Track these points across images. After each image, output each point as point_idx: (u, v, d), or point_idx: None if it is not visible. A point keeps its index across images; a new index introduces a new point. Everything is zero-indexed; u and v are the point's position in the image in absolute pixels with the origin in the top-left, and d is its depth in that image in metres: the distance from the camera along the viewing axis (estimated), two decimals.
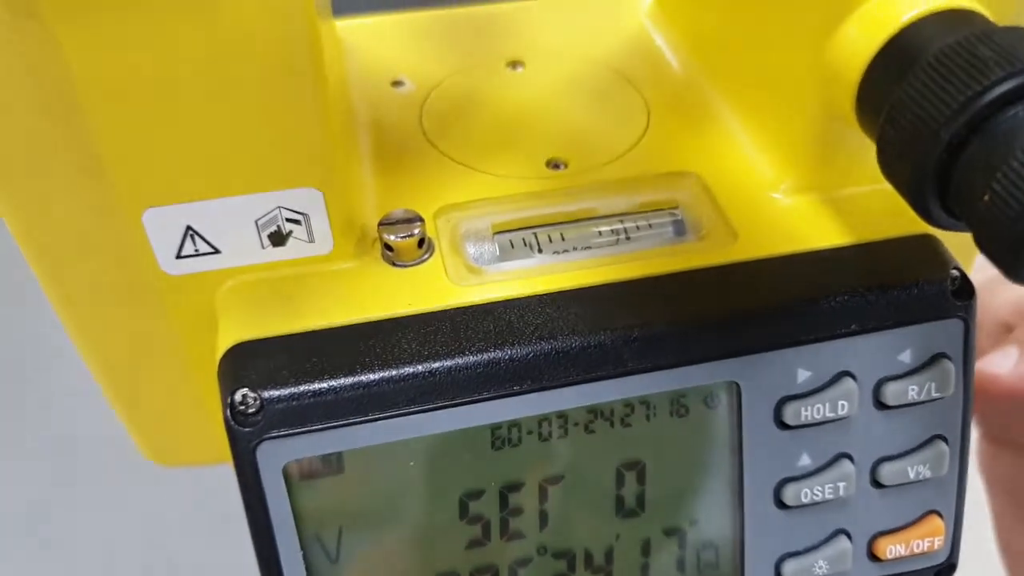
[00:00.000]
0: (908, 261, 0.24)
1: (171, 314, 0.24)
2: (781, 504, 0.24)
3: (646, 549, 0.24)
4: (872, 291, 0.23)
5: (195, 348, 0.25)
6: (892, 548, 0.25)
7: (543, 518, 0.23)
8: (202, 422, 0.27)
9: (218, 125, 0.20)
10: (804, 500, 0.24)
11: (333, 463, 0.21)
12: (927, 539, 0.25)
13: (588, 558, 0.24)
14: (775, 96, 0.26)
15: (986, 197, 0.18)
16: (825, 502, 0.24)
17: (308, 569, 0.22)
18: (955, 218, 0.20)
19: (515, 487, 0.23)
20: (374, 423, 0.21)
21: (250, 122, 0.20)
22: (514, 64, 0.32)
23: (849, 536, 0.24)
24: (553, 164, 0.27)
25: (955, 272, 0.23)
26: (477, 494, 0.23)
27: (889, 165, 0.21)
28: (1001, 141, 0.18)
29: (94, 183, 0.21)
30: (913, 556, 0.25)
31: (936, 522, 0.25)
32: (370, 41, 0.33)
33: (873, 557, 0.25)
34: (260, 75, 0.20)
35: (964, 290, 0.23)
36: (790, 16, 0.24)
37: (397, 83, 0.31)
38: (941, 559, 0.25)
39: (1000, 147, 0.18)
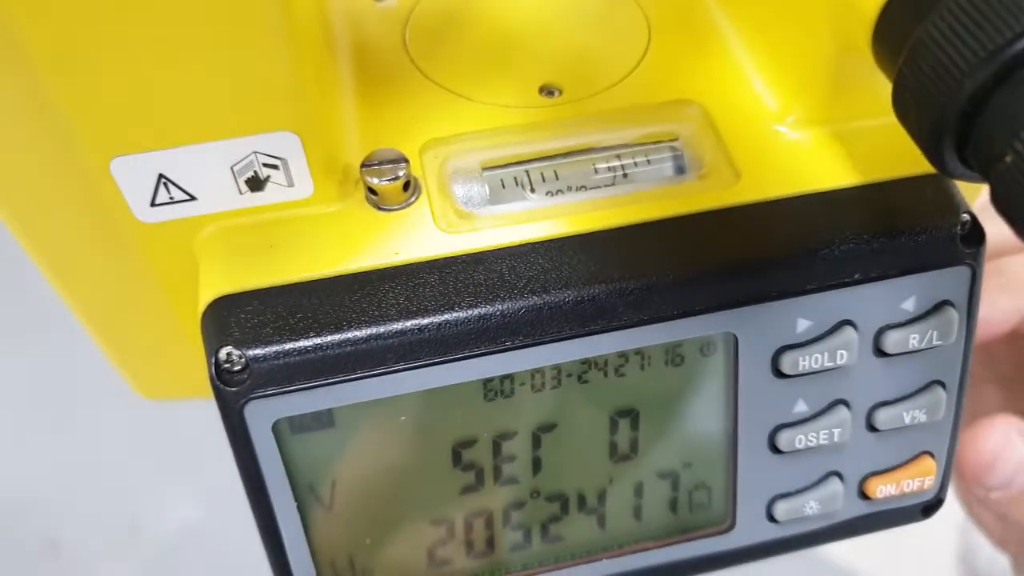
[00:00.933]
0: (917, 204, 0.23)
1: (151, 260, 0.23)
2: (775, 449, 0.24)
3: (639, 490, 0.24)
4: (878, 238, 0.22)
5: (177, 291, 0.24)
6: (883, 488, 0.25)
7: (536, 464, 0.23)
8: (188, 359, 0.27)
9: (180, 69, 0.19)
10: (798, 446, 0.23)
11: (323, 418, 0.21)
12: (918, 479, 0.25)
13: (581, 500, 0.24)
14: (785, 22, 0.24)
15: (1008, 158, 0.17)
16: (819, 447, 0.24)
17: (304, 520, 0.22)
18: (970, 169, 0.19)
19: (508, 436, 0.22)
20: (363, 380, 0.20)
21: (215, 64, 0.19)
22: None
23: (841, 477, 0.25)
24: (547, 91, 0.26)
25: (965, 216, 0.22)
26: (470, 443, 0.22)
27: (904, 110, 0.19)
28: None
29: (56, 135, 0.20)
30: (903, 495, 0.25)
31: (928, 463, 0.25)
32: None
33: (864, 496, 0.25)
34: (222, 11, 0.18)
35: (974, 236, 0.22)
36: None
37: None
38: (930, 496, 0.26)
39: None
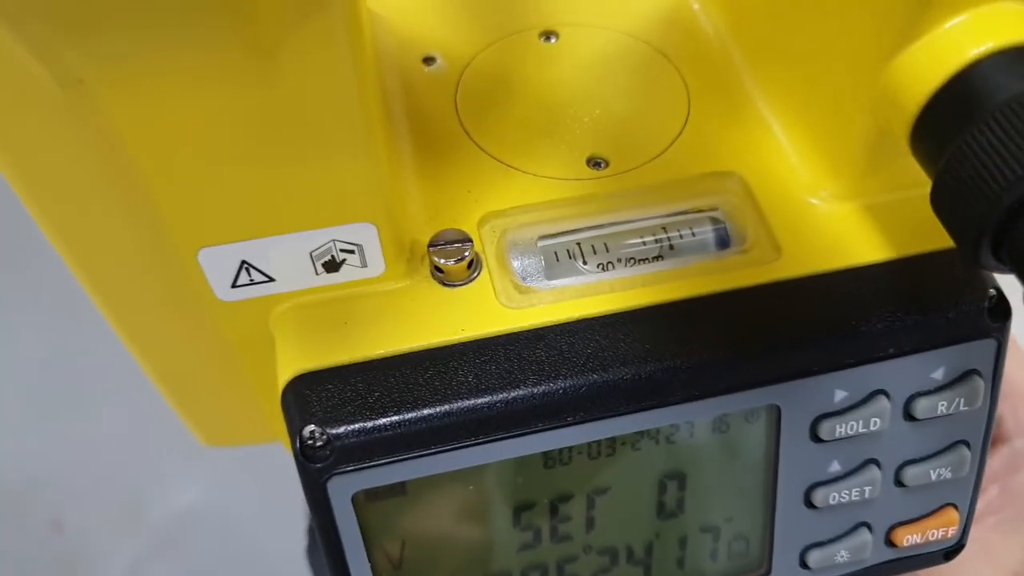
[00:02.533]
0: (947, 280, 0.24)
1: (226, 331, 0.24)
2: (810, 505, 0.25)
3: (683, 543, 0.26)
4: (911, 315, 0.23)
5: (249, 355, 0.25)
6: (909, 537, 0.26)
7: (590, 523, 0.25)
8: (252, 411, 0.28)
9: (269, 175, 0.20)
10: (831, 502, 0.25)
11: (397, 488, 0.23)
12: (942, 529, 0.27)
13: (630, 553, 0.26)
14: (823, 105, 0.25)
15: None
16: (851, 503, 0.25)
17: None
18: (1003, 264, 0.21)
19: (565, 499, 0.24)
20: (435, 456, 0.22)
21: (302, 170, 0.20)
22: (547, 35, 0.31)
23: (870, 528, 0.26)
24: (594, 163, 0.27)
25: (992, 292, 0.24)
26: (529, 506, 0.24)
27: (943, 212, 0.21)
28: None
29: (149, 228, 0.21)
30: (928, 543, 0.27)
31: (952, 514, 0.27)
32: (398, 6, 0.31)
33: (890, 544, 0.27)
34: (312, 129, 0.20)
35: (1000, 310, 0.24)
36: (848, 28, 0.23)
37: (428, 59, 0.30)
38: (952, 543, 0.27)
39: None
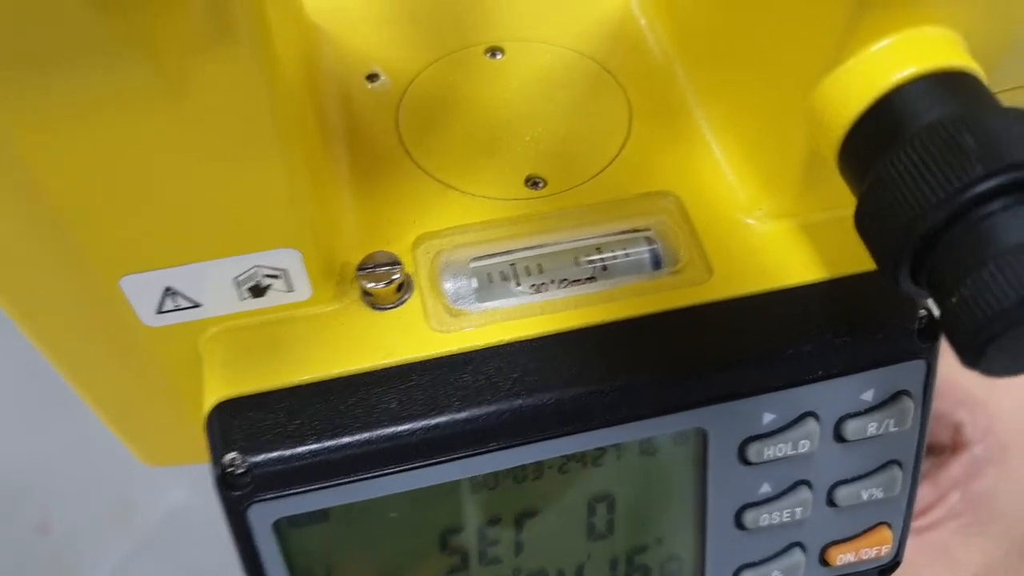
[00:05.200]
0: (877, 300, 0.24)
1: (155, 355, 0.24)
2: (741, 526, 0.25)
3: (614, 565, 0.26)
4: (840, 336, 0.23)
5: (180, 377, 0.25)
6: (843, 556, 0.27)
7: (519, 546, 0.25)
8: (187, 432, 0.28)
9: (185, 203, 0.20)
10: (763, 524, 0.25)
11: (319, 514, 0.23)
12: (876, 547, 0.27)
13: (560, 575, 0.26)
14: (759, 123, 0.25)
15: (954, 298, 0.18)
16: (782, 523, 0.25)
17: None
18: (922, 289, 0.21)
19: (492, 522, 0.24)
20: (356, 483, 0.22)
21: (218, 198, 0.20)
22: (493, 51, 0.31)
23: (803, 548, 0.26)
24: (532, 182, 0.27)
25: (923, 312, 0.24)
26: (456, 530, 0.24)
27: (865, 234, 0.21)
28: (974, 243, 0.18)
29: (68, 255, 0.21)
30: (861, 561, 0.27)
31: (885, 532, 0.27)
32: (342, 21, 0.31)
33: (824, 563, 0.27)
34: (224, 159, 0.19)
35: (930, 331, 0.24)
36: (781, 48, 0.23)
37: (372, 76, 0.30)
38: (886, 560, 0.27)
39: (972, 250, 0.18)
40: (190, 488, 0.83)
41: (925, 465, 0.38)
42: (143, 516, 0.83)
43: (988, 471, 0.39)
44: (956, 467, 0.40)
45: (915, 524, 0.36)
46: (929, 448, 0.38)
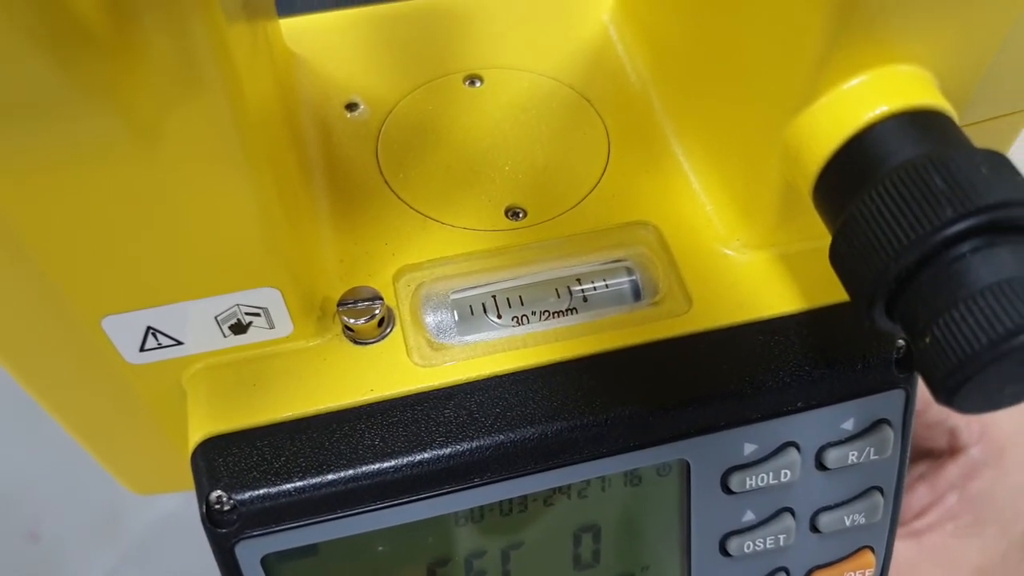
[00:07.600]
0: (855, 331, 0.24)
1: (139, 391, 0.24)
2: (725, 553, 0.26)
3: None
4: (819, 368, 0.24)
5: (166, 413, 0.25)
6: None
7: None
8: (174, 462, 0.28)
9: (162, 246, 0.20)
10: (747, 551, 0.25)
11: (308, 549, 0.23)
12: (859, 571, 0.27)
13: None
14: (736, 155, 0.25)
15: (927, 339, 0.19)
16: (766, 550, 0.26)
17: None
18: (896, 324, 0.21)
19: (479, 554, 0.24)
20: (342, 519, 0.22)
21: (195, 240, 0.20)
22: (472, 79, 0.31)
23: (788, 573, 0.27)
24: (512, 212, 0.27)
25: (901, 343, 0.24)
26: (443, 562, 0.24)
27: (839, 272, 0.21)
28: (945, 285, 0.18)
29: (49, 297, 0.21)
30: None
31: (868, 556, 0.27)
32: (322, 49, 0.31)
33: None
34: (199, 202, 0.19)
35: (908, 361, 0.24)
36: (757, 82, 0.24)
37: (351, 105, 0.30)
38: None
39: (944, 291, 0.18)
40: (179, 497, 0.82)
41: (922, 468, 0.38)
42: (132, 524, 0.82)
43: (985, 472, 0.39)
44: (953, 469, 0.40)
45: (912, 526, 0.37)
46: (926, 452, 0.38)
